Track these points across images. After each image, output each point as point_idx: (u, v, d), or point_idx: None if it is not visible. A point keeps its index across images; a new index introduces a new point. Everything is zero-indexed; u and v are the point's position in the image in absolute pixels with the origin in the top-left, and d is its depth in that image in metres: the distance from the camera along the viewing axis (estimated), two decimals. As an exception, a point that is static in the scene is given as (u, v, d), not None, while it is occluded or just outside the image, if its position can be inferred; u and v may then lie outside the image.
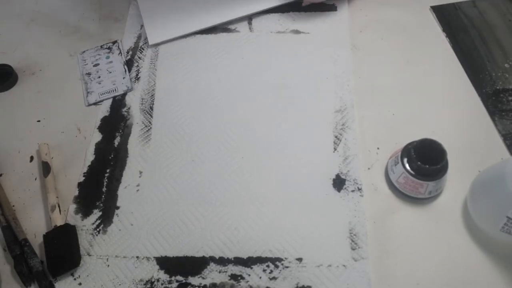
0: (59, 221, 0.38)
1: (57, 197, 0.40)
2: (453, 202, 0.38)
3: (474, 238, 0.36)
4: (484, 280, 0.35)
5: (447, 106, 0.44)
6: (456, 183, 0.39)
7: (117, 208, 0.40)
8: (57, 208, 0.39)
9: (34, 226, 0.39)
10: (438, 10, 0.52)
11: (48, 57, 0.51)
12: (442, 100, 0.45)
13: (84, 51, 0.51)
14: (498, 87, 0.45)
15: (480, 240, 0.36)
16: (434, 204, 0.38)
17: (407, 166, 0.37)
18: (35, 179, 0.42)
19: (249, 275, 0.36)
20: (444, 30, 0.50)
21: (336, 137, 0.43)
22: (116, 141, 0.44)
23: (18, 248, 0.37)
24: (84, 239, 0.38)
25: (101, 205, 0.40)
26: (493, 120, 0.43)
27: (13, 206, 0.41)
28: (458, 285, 0.35)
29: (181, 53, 0.50)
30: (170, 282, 0.36)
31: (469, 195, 0.37)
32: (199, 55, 0.50)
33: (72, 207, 0.40)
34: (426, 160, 0.36)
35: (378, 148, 0.42)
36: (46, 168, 0.41)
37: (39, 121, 0.46)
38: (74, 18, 0.55)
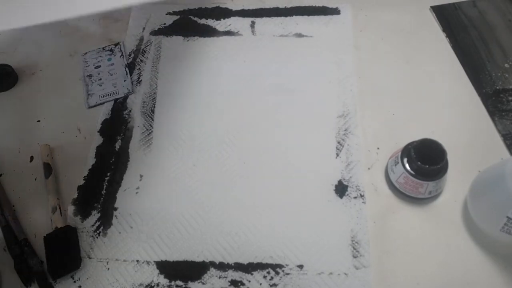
0: (60, 222, 0.38)
1: (58, 199, 0.40)
2: (453, 202, 0.38)
3: (474, 238, 0.36)
4: (484, 280, 0.35)
5: (447, 106, 0.44)
6: (456, 183, 0.39)
7: (115, 209, 0.40)
8: (58, 210, 0.39)
9: (34, 226, 0.39)
10: (438, 10, 0.52)
11: (48, 57, 0.51)
12: (442, 100, 0.45)
13: (86, 53, 0.51)
14: (498, 87, 0.45)
15: (480, 240, 0.36)
16: (434, 204, 0.38)
17: (407, 166, 0.37)
18: (35, 179, 0.42)
19: (249, 281, 0.35)
20: (444, 30, 0.50)
21: (338, 142, 0.42)
22: (117, 145, 0.44)
23: (18, 248, 0.37)
24: (84, 242, 0.38)
25: (99, 206, 0.40)
26: (493, 120, 0.43)
27: (13, 206, 0.41)
28: (458, 285, 0.35)
29: (183, 56, 0.50)
30: (170, 287, 0.36)
31: (469, 195, 0.37)
32: (201, 58, 0.49)
33: (71, 208, 0.40)
34: (426, 160, 0.36)
35: (378, 148, 0.42)
36: (47, 170, 0.41)
37: (39, 121, 0.46)
38: (73, 19, 0.55)
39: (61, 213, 0.39)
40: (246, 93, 0.46)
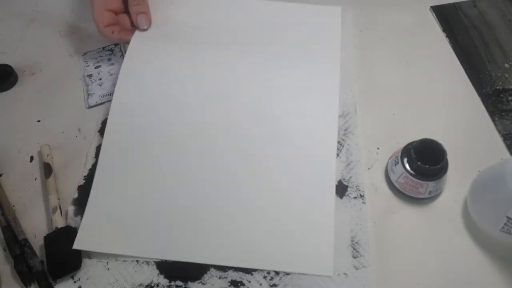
0: (60, 223, 0.38)
1: (59, 199, 0.40)
2: (453, 202, 0.38)
3: (474, 238, 0.36)
4: (484, 280, 0.35)
5: (447, 106, 0.44)
6: (456, 183, 0.39)
7: None
8: (58, 210, 0.39)
9: (34, 226, 0.39)
10: (438, 10, 0.52)
11: (48, 57, 0.51)
12: (442, 100, 0.45)
13: (86, 53, 0.51)
14: (498, 87, 0.45)
15: (480, 240, 0.36)
16: (434, 204, 0.38)
17: (407, 166, 0.37)
18: (35, 179, 0.42)
19: (250, 281, 0.35)
20: (444, 30, 0.50)
21: (338, 142, 0.42)
22: None
23: (18, 248, 0.37)
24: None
25: None
26: (493, 120, 0.43)
27: (13, 206, 0.41)
28: (458, 285, 0.35)
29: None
30: (169, 287, 0.35)
31: (469, 195, 0.37)
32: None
33: (71, 208, 0.40)
34: (426, 160, 0.36)
35: (378, 148, 0.42)
36: (47, 170, 0.41)
37: (39, 121, 0.46)
38: (74, 18, 0.55)
39: (61, 213, 0.39)
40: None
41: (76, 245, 0.36)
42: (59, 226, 0.38)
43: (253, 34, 0.48)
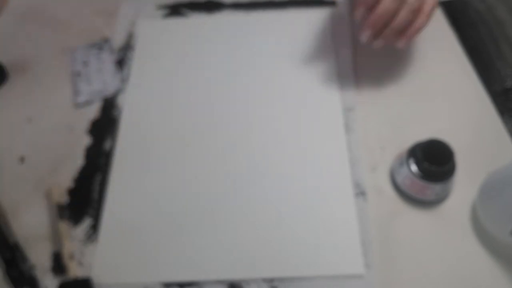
0: (75, 270, 0.36)
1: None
2: (461, 205, 0.37)
3: (483, 243, 0.35)
4: (493, 286, 0.34)
5: (455, 105, 0.43)
6: (464, 185, 0.38)
7: None
8: (74, 257, 0.36)
9: (25, 230, 0.38)
10: (445, 5, 0.50)
11: (39, 54, 0.50)
12: (449, 98, 0.43)
13: (75, 49, 0.50)
14: (507, 86, 0.44)
15: (489, 244, 0.35)
16: (441, 207, 0.37)
17: (413, 167, 0.36)
18: (27, 180, 0.41)
19: (249, 284, 0.34)
20: (451, 26, 0.49)
21: None
22: (108, 145, 0.42)
23: (10, 252, 0.36)
24: (76, 250, 0.37)
25: (94, 212, 0.39)
26: (503, 120, 0.42)
27: (3, 208, 0.39)
28: (466, 292, 0.34)
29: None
30: (165, 290, 0.34)
31: (478, 198, 0.36)
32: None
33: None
34: (433, 161, 0.35)
35: (382, 148, 0.41)
36: (62, 212, 0.38)
37: (29, 120, 0.45)
38: (65, 14, 0.54)
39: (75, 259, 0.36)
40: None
41: (96, 279, 0.35)
42: (77, 275, 0.35)
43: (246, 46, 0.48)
